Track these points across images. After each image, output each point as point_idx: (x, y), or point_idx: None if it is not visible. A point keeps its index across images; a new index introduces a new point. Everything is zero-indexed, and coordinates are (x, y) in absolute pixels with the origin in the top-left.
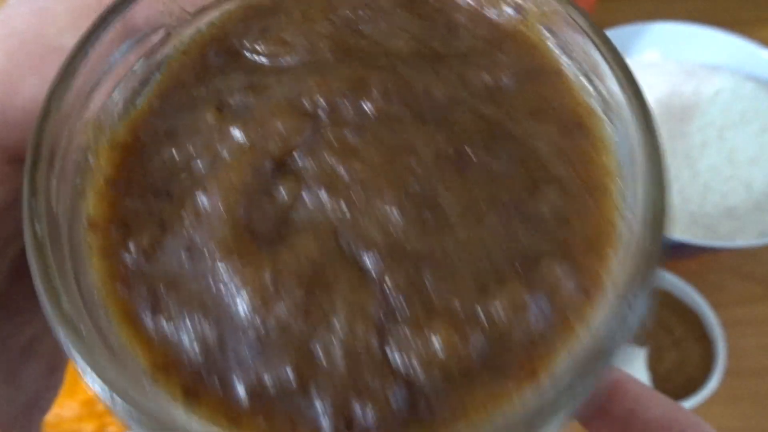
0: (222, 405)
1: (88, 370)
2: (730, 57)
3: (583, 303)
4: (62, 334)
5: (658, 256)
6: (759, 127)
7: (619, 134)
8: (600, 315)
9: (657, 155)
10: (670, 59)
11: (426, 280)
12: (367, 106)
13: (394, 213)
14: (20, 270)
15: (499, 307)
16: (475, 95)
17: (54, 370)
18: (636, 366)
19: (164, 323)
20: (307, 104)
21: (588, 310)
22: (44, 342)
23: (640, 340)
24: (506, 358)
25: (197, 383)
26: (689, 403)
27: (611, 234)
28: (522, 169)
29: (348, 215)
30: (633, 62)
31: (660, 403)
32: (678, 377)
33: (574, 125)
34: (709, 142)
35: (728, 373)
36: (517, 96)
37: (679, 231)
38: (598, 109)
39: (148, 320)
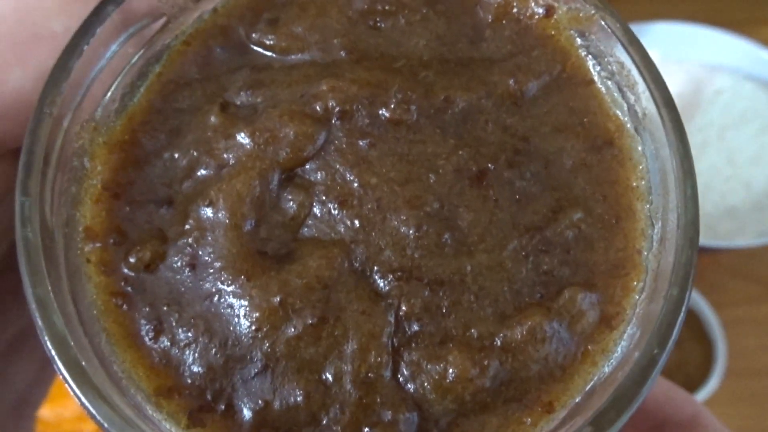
0: None
1: (86, 403)
2: (730, 57)
3: (605, 335)
4: (58, 362)
5: (690, 289)
6: (759, 127)
7: (650, 153)
8: (621, 348)
9: (691, 178)
10: (670, 59)
11: (442, 306)
12: (385, 115)
13: (411, 234)
14: (6, 267)
15: (517, 338)
16: (500, 105)
17: (44, 365)
18: None
19: (168, 346)
20: (319, 109)
21: (610, 342)
22: (32, 338)
23: None
24: (523, 390)
25: (202, 409)
26: None
27: (637, 262)
28: (546, 190)
29: (362, 234)
30: None
31: (658, 381)
32: (678, 377)
33: (603, 142)
34: (709, 142)
35: (728, 373)
36: (543, 107)
37: None
38: (629, 126)
39: (150, 342)
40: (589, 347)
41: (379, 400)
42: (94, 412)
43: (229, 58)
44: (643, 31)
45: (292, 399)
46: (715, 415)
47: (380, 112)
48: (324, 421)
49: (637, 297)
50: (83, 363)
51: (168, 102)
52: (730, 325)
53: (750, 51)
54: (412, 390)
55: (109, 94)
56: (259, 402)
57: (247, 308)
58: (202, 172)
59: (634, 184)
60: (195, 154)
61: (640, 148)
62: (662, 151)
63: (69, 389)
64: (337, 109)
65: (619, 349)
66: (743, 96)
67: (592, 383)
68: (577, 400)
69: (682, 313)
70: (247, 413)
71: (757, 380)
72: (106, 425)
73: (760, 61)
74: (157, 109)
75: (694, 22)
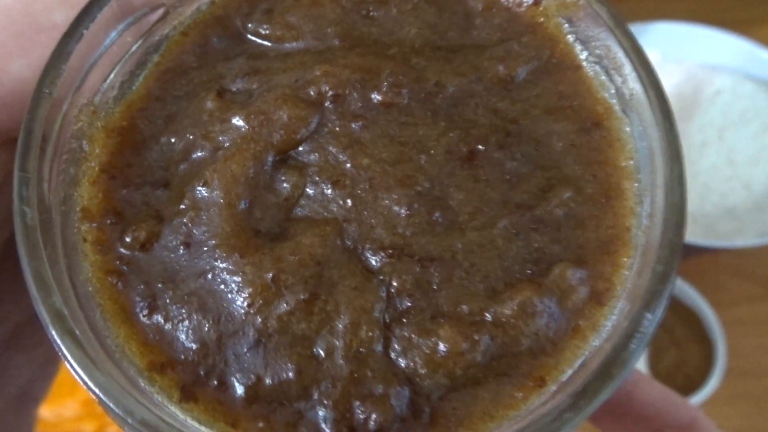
0: (220, 407)
1: (80, 371)
2: (730, 57)
3: (595, 310)
4: (53, 332)
5: (677, 264)
6: (759, 127)
7: (637, 133)
8: (611, 322)
9: (678, 157)
10: (670, 59)
11: (433, 282)
12: (377, 98)
13: (402, 212)
14: (4, 257)
15: (508, 313)
16: (490, 89)
17: (48, 361)
18: (636, 366)
19: (161, 322)
20: (313, 94)
21: (600, 317)
22: (34, 332)
23: None
24: (514, 365)
25: (194, 384)
26: None
27: (626, 239)
28: (536, 170)
29: (354, 213)
30: None
31: (656, 388)
32: (678, 377)
33: (592, 124)
34: (709, 142)
35: (728, 373)
36: (533, 91)
37: None
38: (617, 107)
39: (144, 319)
40: (580, 322)
41: (370, 374)
42: (87, 379)
43: (226, 47)
44: (643, 31)
45: (284, 374)
46: (715, 415)
47: (372, 95)
48: (315, 396)
49: (626, 273)
50: (77, 333)
51: (166, 90)
52: (730, 325)
53: (750, 51)
54: (403, 365)
55: (108, 81)
56: (251, 377)
57: (240, 284)
58: (198, 154)
59: (623, 164)
60: (191, 137)
61: (628, 129)
62: (650, 131)
63: (64, 359)
64: (330, 93)
65: (609, 324)
66: (743, 96)
67: (582, 358)
68: (567, 375)
69: (668, 286)
70: (239, 388)
71: (757, 380)
72: (100, 393)
73: (760, 61)
74: (155, 97)
75: (694, 22)
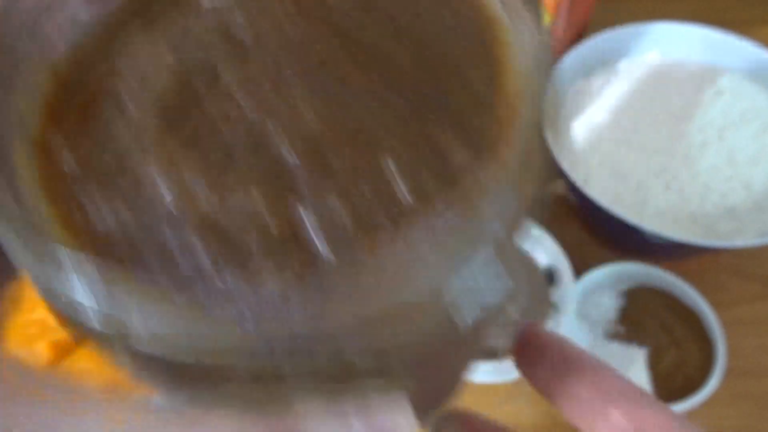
0: (131, 275)
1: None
2: (730, 57)
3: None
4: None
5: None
6: (759, 127)
7: (521, 38)
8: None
9: (546, 63)
10: (670, 59)
11: (331, 158)
12: (291, 30)
13: (303, 106)
14: None
15: (416, 206)
16: (393, 15)
17: None
18: (636, 366)
19: (98, 224)
20: (232, 29)
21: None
22: None
23: (639, 341)
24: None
25: (109, 255)
26: (689, 403)
27: (512, 116)
28: (428, 62)
29: (263, 110)
30: (633, 62)
31: (645, 395)
32: (678, 377)
33: (483, 31)
34: (709, 142)
35: (728, 373)
36: (429, 8)
37: (679, 231)
38: (505, 17)
39: (83, 224)
40: (468, 187)
41: (288, 263)
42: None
43: (167, 10)
44: (643, 31)
45: (203, 263)
46: (715, 415)
47: (288, 28)
48: (223, 268)
49: (512, 142)
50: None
51: (113, 48)
52: (730, 325)
53: (750, 51)
54: (318, 246)
55: (58, 37)
56: (163, 251)
57: (166, 186)
58: (132, 85)
59: (510, 64)
60: (130, 77)
61: (514, 34)
62: (529, 36)
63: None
64: (248, 26)
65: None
66: (743, 96)
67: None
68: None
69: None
70: (154, 263)
71: (757, 380)
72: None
73: (760, 61)
74: (102, 53)
75: (694, 22)
